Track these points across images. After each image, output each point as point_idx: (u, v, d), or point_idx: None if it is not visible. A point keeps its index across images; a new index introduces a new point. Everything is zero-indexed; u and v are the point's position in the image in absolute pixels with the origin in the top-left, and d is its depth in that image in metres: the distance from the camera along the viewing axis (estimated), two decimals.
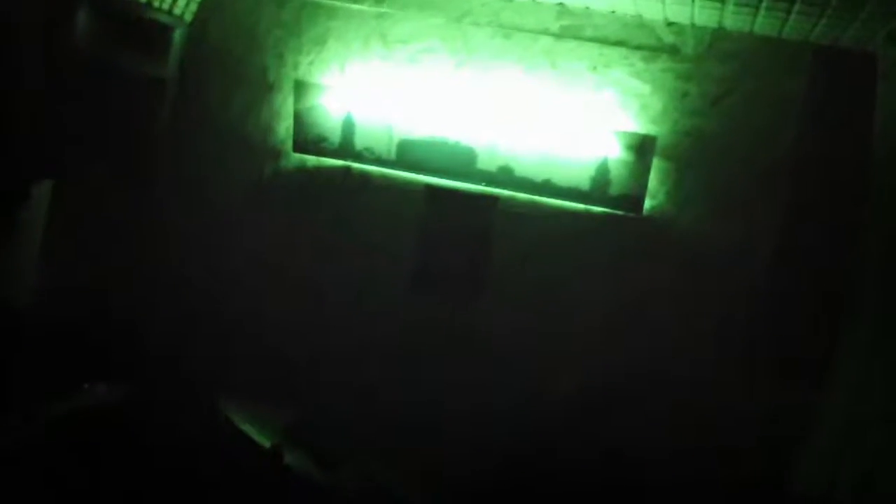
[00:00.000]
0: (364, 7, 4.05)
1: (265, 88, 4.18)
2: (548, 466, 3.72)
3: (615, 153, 3.69)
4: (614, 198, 3.73)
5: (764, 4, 3.22)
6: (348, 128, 3.99)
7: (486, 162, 3.86)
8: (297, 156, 4.12)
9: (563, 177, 3.77)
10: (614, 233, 3.80)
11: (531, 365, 3.88)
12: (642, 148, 3.67)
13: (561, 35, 3.86)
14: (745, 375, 3.64)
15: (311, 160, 4.12)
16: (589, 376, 3.80)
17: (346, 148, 4.01)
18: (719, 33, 3.71)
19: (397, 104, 3.95)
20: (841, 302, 3.52)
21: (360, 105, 3.98)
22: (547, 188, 3.80)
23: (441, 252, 4.02)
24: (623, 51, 3.80)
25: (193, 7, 4.17)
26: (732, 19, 3.55)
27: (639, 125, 3.75)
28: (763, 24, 3.51)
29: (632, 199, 3.72)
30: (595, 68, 3.82)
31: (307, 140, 4.05)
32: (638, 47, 3.79)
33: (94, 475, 3.47)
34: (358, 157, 4.01)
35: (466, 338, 3.98)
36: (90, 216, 4.14)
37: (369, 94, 3.99)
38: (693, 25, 3.72)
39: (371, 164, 4.01)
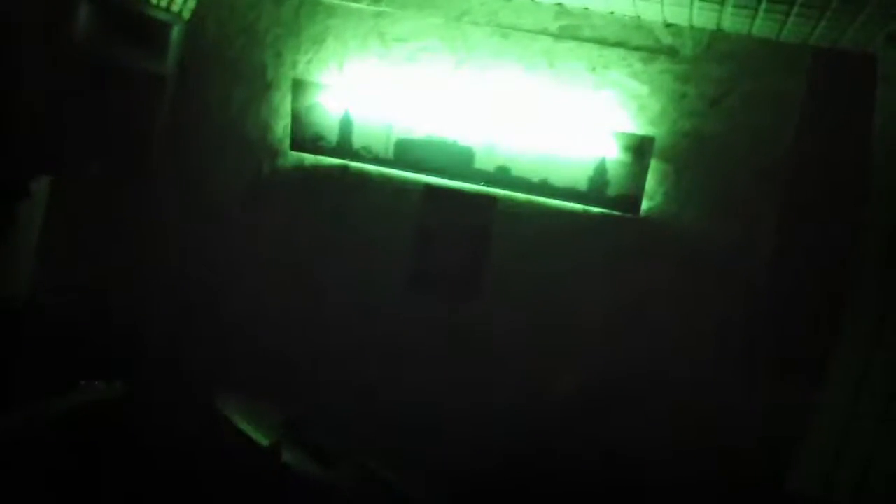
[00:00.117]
0: (362, 6, 4.05)
1: (264, 86, 4.18)
2: (547, 465, 3.73)
3: (613, 154, 3.69)
4: (612, 198, 3.73)
5: (763, 6, 3.22)
6: (346, 126, 3.99)
7: (484, 161, 3.86)
8: (295, 154, 4.12)
9: (560, 177, 3.77)
10: (612, 233, 3.80)
11: (530, 364, 3.89)
12: (640, 149, 3.67)
13: (559, 35, 3.86)
14: (744, 375, 3.66)
15: (309, 159, 4.11)
16: (588, 376, 3.80)
17: (343, 147, 4.01)
18: (718, 35, 3.72)
19: (395, 103, 3.95)
20: (840, 302, 3.53)
21: (358, 104, 3.97)
22: (545, 188, 3.80)
23: (439, 251, 4.02)
24: (621, 52, 3.80)
25: (192, 4, 4.16)
26: (731, 21, 3.55)
27: (637, 126, 3.76)
28: (762, 25, 3.51)
29: (629, 200, 3.72)
30: (593, 69, 3.82)
31: (305, 139, 4.05)
32: (636, 48, 3.79)
33: (93, 473, 3.48)
34: (356, 156, 4.00)
35: (465, 337, 3.98)
36: (89, 214, 4.14)
37: (367, 93, 3.98)
38: (691, 27, 3.73)
39: (369, 163, 4.01)
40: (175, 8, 4.08)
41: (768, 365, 3.64)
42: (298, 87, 4.01)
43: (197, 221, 4.24)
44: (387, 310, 4.06)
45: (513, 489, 3.69)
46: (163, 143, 4.23)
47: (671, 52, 3.76)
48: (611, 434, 3.75)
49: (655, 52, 3.77)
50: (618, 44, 3.81)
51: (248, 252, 4.20)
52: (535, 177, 3.80)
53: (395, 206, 4.03)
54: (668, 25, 3.75)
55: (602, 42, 3.82)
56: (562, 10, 3.84)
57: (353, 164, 4.04)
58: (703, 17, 3.59)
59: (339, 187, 4.09)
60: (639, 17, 3.75)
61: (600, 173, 3.71)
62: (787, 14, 3.26)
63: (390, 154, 3.95)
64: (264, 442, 3.18)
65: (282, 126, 4.14)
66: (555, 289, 3.88)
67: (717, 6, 3.36)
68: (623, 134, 3.70)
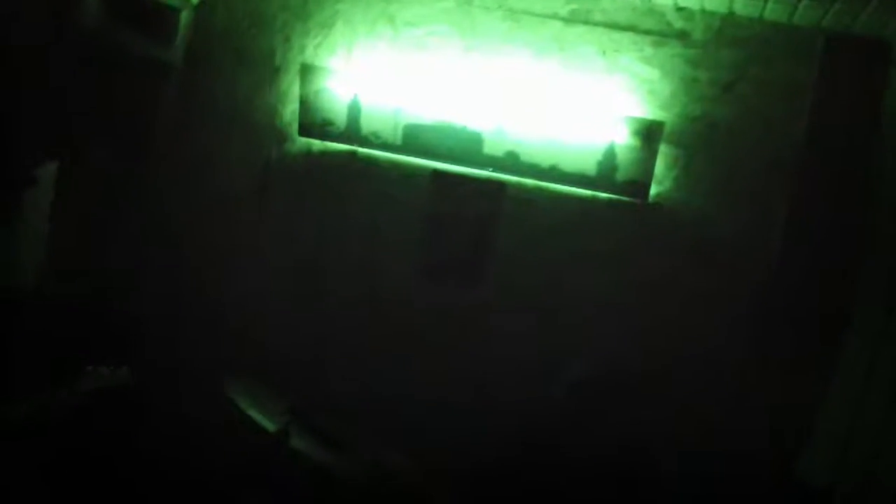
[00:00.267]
0: None
1: (272, 71, 4.16)
2: (554, 456, 3.71)
3: (622, 139, 3.67)
4: (621, 183, 3.71)
5: None
6: (354, 112, 3.97)
7: (492, 147, 3.84)
8: (303, 140, 4.11)
9: (569, 162, 3.76)
10: (621, 219, 3.78)
11: (537, 351, 3.87)
12: (650, 134, 3.65)
13: (570, 19, 3.83)
14: (753, 363, 3.64)
15: (317, 144, 4.10)
16: (596, 364, 3.78)
17: (351, 132, 3.99)
18: (729, 19, 3.68)
19: (404, 88, 3.93)
20: (849, 292, 3.51)
21: (366, 89, 3.95)
22: (553, 173, 3.79)
23: (447, 237, 4.00)
24: (632, 36, 3.77)
25: None
26: (742, 5, 3.52)
27: (647, 111, 3.73)
28: (773, 9, 3.48)
29: (638, 185, 3.70)
30: (604, 53, 3.79)
31: (313, 124, 4.03)
32: (647, 32, 3.76)
33: (100, 460, 3.49)
34: (364, 141, 3.99)
35: (472, 323, 3.97)
36: (95, 200, 4.13)
37: (376, 78, 3.97)
38: (703, 11, 3.69)
39: (377, 149, 3.99)
40: None
41: (777, 354, 3.63)
42: (307, 71, 3.99)
43: (204, 208, 4.24)
44: (393, 296, 4.05)
45: (519, 477, 3.68)
46: (170, 129, 4.23)
47: (682, 37, 3.73)
48: (619, 423, 3.72)
49: (666, 37, 3.74)
50: (628, 28, 3.78)
51: (255, 237, 4.20)
52: (544, 162, 3.78)
53: (403, 192, 4.02)
54: (680, 9, 3.72)
55: (613, 26, 3.79)
56: None
57: (362, 149, 4.02)
58: (715, 1, 3.56)
59: (347, 173, 4.08)
60: (650, 0, 3.71)
61: (609, 158, 3.69)
62: None
63: (399, 139, 3.94)
64: (271, 428, 3.19)
65: (290, 111, 4.13)
66: (562, 274, 3.87)
67: None
68: (633, 119, 3.67)
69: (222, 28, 4.22)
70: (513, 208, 3.91)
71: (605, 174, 3.70)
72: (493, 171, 3.88)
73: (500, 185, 3.91)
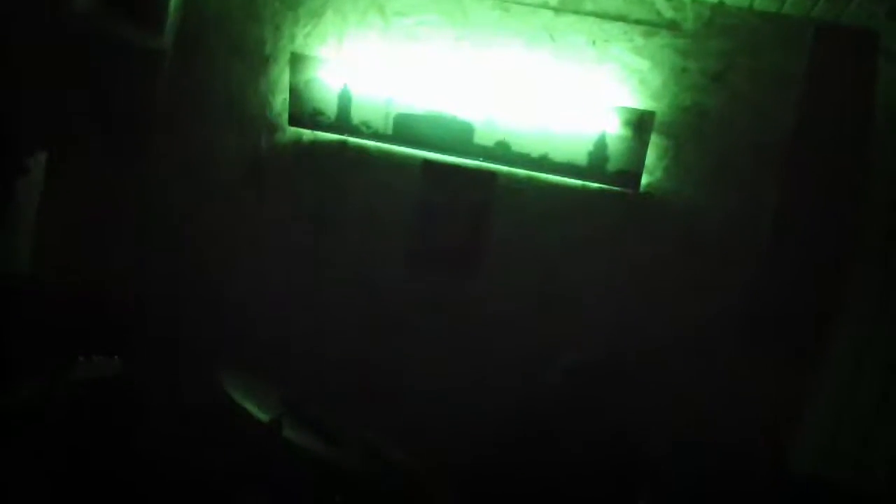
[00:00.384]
0: None
1: (262, 61, 4.14)
2: (549, 443, 3.73)
3: (613, 129, 3.68)
4: (612, 174, 3.73)
5: None
6: (345, 101, 3.96)
7: (483, 137, 3.84)
8: (294, 130, 4.09)
9: (560, 152, 3.76)
10: (612, 209, 3.80)
11: (529, 341, 3.90)
12: (641, 124, 3.66)
13: (560, 9, 3.83)
14: (745, 351, 3.67)
15: (308, 134, 4.09)
16: (588, 353, 3.80)
17: (342, 122, 3.98)
18: (719, 9, 3.69)
19: (395, 78, 3.92)
20: (841, 279, 3.54)
21: (357, 78, 3.94)
22: (544, 163, 3.79)
23: (438, 227, 4.01)
24: (622, 25, 3.77)
25: None
26: None
27: (637, 101, 3.74)
28: None
29: (629, 175, 3.72)
30: (594, 43, 3.80)
31: (303, 113, 4.02)
32: (637, 22, 3.76)
33: (93, 448, 3.49)
34: (354, 131, 3.98)
35: (464, 314, 3.99)
36: (86, 189, 4.11)
37: (366, 68, 3.95)
38: (693, 0, 3.70)
39: (368, 139, 3.99)
40: None
41: (769, 342, 3.65)
42: (297, 61, 3.98)
43: (195, 197, 4.22)
44: (386, 286, 4.06)
45: (514, 464, 3.70)
46: (161, 118, 4.21)
47: (672, 27, 3.74)
48: (612, 409, 3.75)
49: (656, 26, 3.75)
50: (619, 17, 3.78)
51: (247, 227, 4.19)
52: (535, 152, 3.79)
53: (395, 182, 4.01)
54: None
55: (603, 16, 3.79)
56: None
57: (352, 139, 4.02)
58: None
59: (338, 163, 4.07)
60: None
61: (600, 148, 3.70)
62: None
63: (389, 129, 3.93)
64: (264, 418, 3.19)
65: (280, 101, 4.12)
66: (554, 265, 3.89)
67: None
68: (623, 109, 3.68)
69: (213, 16, 4.18)
70: (504, 198, 3.91)
71: (596, 164, 3.71)
72: (484, 160, 3.88)
73: (492, 174, 3.91)
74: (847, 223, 3.56)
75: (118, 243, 4.20)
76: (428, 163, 3.97)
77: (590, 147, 3.72)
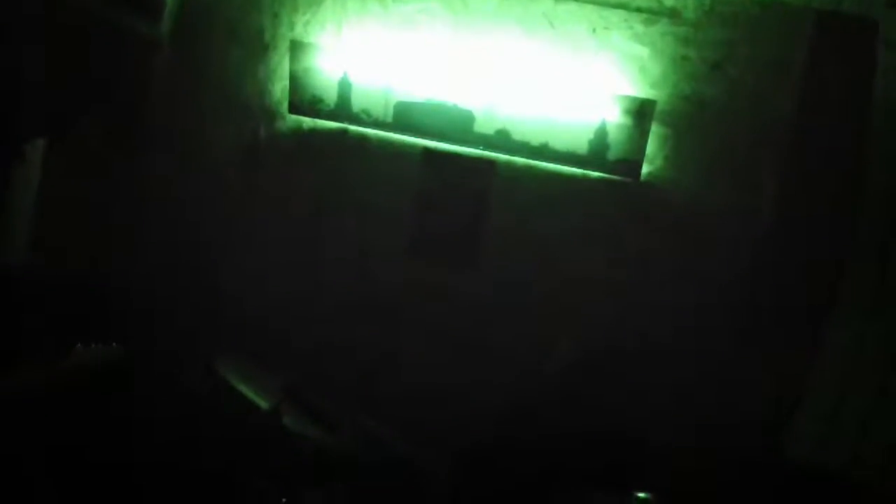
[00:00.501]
0: None
1: (261, 48, 4.12)
2: (545, 433, 3.74)
3: (614, 117, 3.67)
4: (612, 162, 3.72)
5: None
6: (345, 89, 3.95)
7: (483, 125, 3.84)
8: (294, 118, 4.08)
9: (560, 141, 3.76)
10: (612, 198, 3.80)
11: (528, 330, 3.90)
12: (641, 112, 3.66)
13: None
14: (744, 340, 3.67)
15: (308, 122, 4.08)
16: (588, 342, 3.81)
17: (342, 110, 3.98)
18: None
19: (394, 66, 3.91)
20: (839, 268, 3.54)
21: (356, 66, 3.93)
22: (544, 152, 3.79)
23: (438, 216, 4.00)
24: (623, 13, 3.76)
25: None
26: None
27: (638, 89, 3.73)
28: None
29: (630, 164, 3.71)
30: (594, 31, 3.79)
31: (303, 101, 4.01)
32: (638, 10, 3.75)
33: (92, 436, 3.48)
34: (354, 119, 3.97)
35: (463, 302, 3.99)
36: (84, 176, 4.10)
37: (366, 56, 3.94)
38: None
39: (368, 127, 3.98)
40: None
41: (766, 330, 3.66)
42: (296, 48, 3.96)
43: (193, 185, 4.21)
44: (385, 275, 4.06)
45: (512, 455, 3.70)
46: (159, 105, 4.19)
47: (673, 15, 3.73)
48: (611, 401, 3.75)
49: (657, 14, 3.73)
50: (619, 5, 3.77)
51: (246, 216, 4.18)
52: (535, 140, 3.78)
53: (394, 171, 4.01)
54: None
55: (603, 3, 3.78)
56: None
57: (352, 127, 4.01)
58: None
59: (338, 151, 4.06)
60: None
61: (601, 137, 3.70)
62: None
63: (389, 117, 3.92)
64: (264, 405, 3.19)
65: (280, 88, 4.10)
66: (554, 254, 3.89)
67: None
68: (624, 97, 3.67)
69: (211, 3, 4.16)
70: (504, 186, 3.91)
71: (597, 153, 3.71)
72: (484, 149, 3.87)
73: (491, 163, 3.91)
74: (846, 213, 3.56)
75: (116, 230, 4.19)
76: (428, 151, 3.96)
77: (590, 136, 3.71)
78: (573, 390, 3.74)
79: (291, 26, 4.08)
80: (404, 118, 3.91)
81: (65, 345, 3.25)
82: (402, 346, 4.03)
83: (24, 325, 3.55)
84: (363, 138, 4.02)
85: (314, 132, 4.08)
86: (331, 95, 3.97)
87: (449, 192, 3.98)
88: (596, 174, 3.78)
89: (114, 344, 3.27)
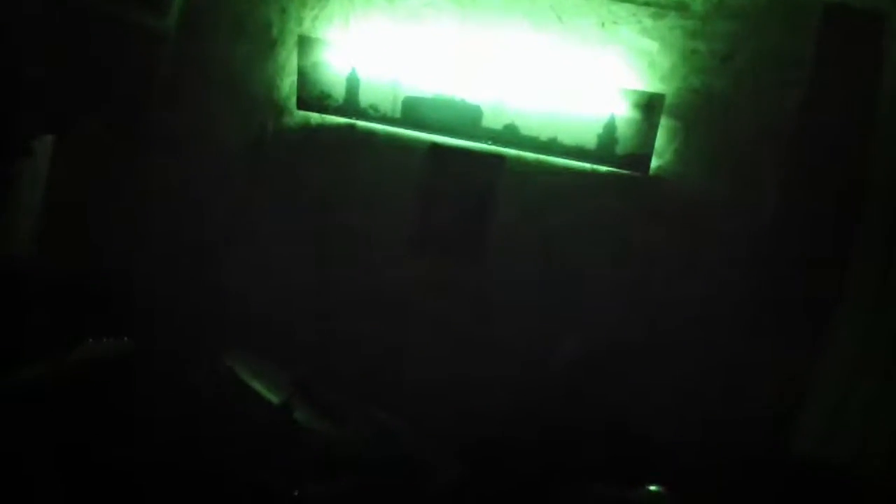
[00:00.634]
0: None
1: (269, 43, 4.12)
2: (551, 426, 3.74)
3: (622, 111, 3.66)
4: (621, 157, 3.72)
5: None
6: (353, 84, 3.95)
7: (491, 120, 3.83)
8: (302, 113, 4.09)
9: (569, 135, 3.75)
10: (621, 192, 3.79)
11: (534, 325, 3.89)
12: (650, 106, 3.65)
13: None
14: (749, 335, 3.66)
15: (316, 117, 4.08)
16: (593, 338, 3.80)
17: (350, 105, 3.97)
18: None
19: (402, 61, 3.91)
20: (844, 262, 3.54)
21: (364, 61, 3.93)
22: (553, 147, 3.78)
23: (446, 211, 4.01)
24: (631, 7, 3.76)
25: None
26: None
27: (646, 83, 3.73)
28: None
29: (639, 158, 3.70)
30: (603, 25, 3.78)
31: (311, 97, 4.01)
32: (646, 3, 3.75)
33: (102, 429, 3.48)
34: (362, 114, 3.97)
35: (469, 297, 3.98)
36: (90, 171, 4.10)
37: (374, 50, 3.94)
38: None
39: (376, 122, 3.98)
40: None
41: (772, 324, 3.65)
42: (304, 43, 3.96)
43: (199, 180, 4.21)
44: (391, 269, 4.06)
45: (517, 449, 3.70)
46: (165, 101, 4.19)
47: (681, 8, 3.72)
48: (616, 395, 3.75)
49: (665, 8, 3.73)
50: None
51: (252, 211, 4.18)
52: (544, 135, 3.78)
53: (402, 166, 4.01)
54: None
55: None
56: None
57: (360, 122, 4.01)
58: None
59: (346, 146, 4.06)
60: None
61: (609, 131, 3.69)
62: None
63: (397, 113, 3.92)
64: (275, 400, 3.19)
65: (288, 84, 4.10)
66: (560, 249, 3.88)
67: None
68: (632, 91, 3.66)
69: None
70: (512, 181, 3.90)
71: (606, 147, 3.70)
72: (492, 144, 3.87)
73: (500, 158, 3.90)
74: (852, 206, 3.55)
75: (121, 226, 4.19)
76: (436, 146, 3.96)
77: (599, 130, 3.71)
78: (579, 386, 3.74)
79: (299, 21, 4.08)
80: (412, 113, 3.91)
81: (70, 340, 3.26)
82: (407, 341, 4.02)
83: (31, 320, 3.55)
84: (371, 134, 4.02)
85: (322, 127, 4.08)
86: (339, 91, 3.96)
87: (456, 187, 3.98)
88: (604, 168, 3.77)
89: (125, 338, 3.27)
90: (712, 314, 3.71)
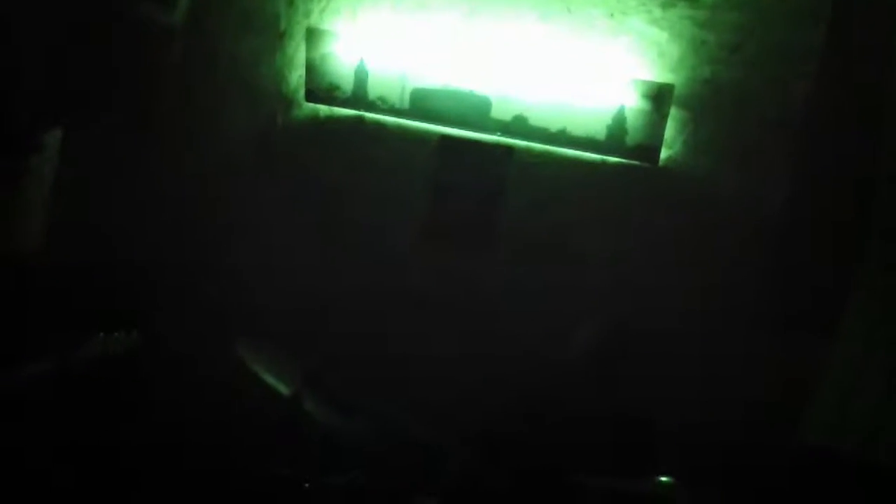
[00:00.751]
0: None
1: (277, 36, 4.12)
2: (561, 419, 3.73)
3: (632, 102, 3.65)
4: (630, 148, 3.70)
5: None
6: (361, 76, 3.95)
7: (500, 111, 3.82)
8: (310, 106, 4.08)
9: (578, 126, 3.74)
10: (630, 183, 3.77)
11: (542, 317, 3.88)
12: (659, 97, 3.63)
13: None
14: (757, 327, 3.66)
15: (324, 110, 4.08)
16: (601, 329, 3.79)
17: (358, 97, 3.97)
18: None
19: (410, 52, 3.90)
20: (853, 254, 3.53)
21: (372, 53, 3.92)
22: (562, 138, 3.77)
23: (454, 202, 4.00)
24: None
25: None
26: None
27: (656, 73, 3.70)
28: None
29: (648, 149, 3.69)
30: (612, 15, 3.76)
31: (319, 89, 4.01)
32: None
33: (113, 422, 3.50)
34: (371, 106, 3.97)
35: (478, 289, 3.98)
36: (100, 165, 4.11)
37: (382, 42, 3.93)
38: None
39: (384, 114, 3.97)
40: None
41: (780, 316, 3.65)
42: (312, 35, 3.96)
43: (207, 173, 4.23)
44: (400, 261, 4.06)
45: (525, 439, 3.70)
46: (173, 94, 4.19)
47: None
48: (623, 389, 3.74)
49: None
50: None
51: (261, 204, 4.19)
52: (553, 126, 3.76)
53: (411, 157, 4.00)
54: None
55: None
56: None
57: (369, 114, 4.00)
58: None
59: (355, 138, 4.06)
60: None
61: (619, 122, 3.68)
62: None
63: (406, 104, 3.91)
64: (285, 392, 3.19)
65: (296, 77, 4.10)
66: (569, 240, 3.87)
67: None
68: (642, 82, 3.65)
69: None
70: (521, 173, 3.90)
71: (615, 138, 3.69)
72: (501, 135, 3.86)
73: (509, 149, 3.89)
74: (862, 199, 3.54)
75: (131, 219, 4.20)
76: (445, 138, 3.95)
77: (608, 121, 3.69)
78: (589, 376, 3.73)
79: (307, 13, 4.07)
80: (421, 105, 3.90)
81: (81, 333, 3.27)
82: (416, 331, 4.02)
83: (41, 313, 3.56)
84: (379, 125, 4.02)
85: (330, 120, 4.08)
86: (347, 83, 3.96)
87: (465, 178, 3.98)
88: (614, 160, 3.76)
89: (133, 332, 3.28)
90: (722, 304, 3.70)
